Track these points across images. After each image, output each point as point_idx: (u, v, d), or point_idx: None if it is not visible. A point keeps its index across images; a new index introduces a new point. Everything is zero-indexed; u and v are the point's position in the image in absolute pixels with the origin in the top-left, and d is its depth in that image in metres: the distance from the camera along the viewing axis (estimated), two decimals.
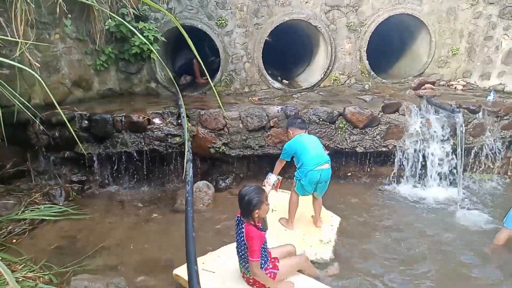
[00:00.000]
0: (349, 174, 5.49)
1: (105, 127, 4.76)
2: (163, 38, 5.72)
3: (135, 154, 4.88)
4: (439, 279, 3.32)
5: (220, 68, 6.28)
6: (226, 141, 4.95)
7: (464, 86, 6.27)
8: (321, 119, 5.06)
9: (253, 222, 2.83)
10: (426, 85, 5.59)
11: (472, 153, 5.25)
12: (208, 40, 6.46)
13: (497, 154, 5.22)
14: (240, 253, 2.96)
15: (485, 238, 3.90)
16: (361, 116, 5.03)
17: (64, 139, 4.78)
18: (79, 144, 4.14)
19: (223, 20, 6.11)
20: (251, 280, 2.98)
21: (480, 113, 5.12)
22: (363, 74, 6.70)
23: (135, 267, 3.49)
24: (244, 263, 2.97)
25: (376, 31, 6.45)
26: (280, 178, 3.89)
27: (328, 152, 3.91)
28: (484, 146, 5.17)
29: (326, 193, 3.95)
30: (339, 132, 5.11)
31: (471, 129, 5.11)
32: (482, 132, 5.14)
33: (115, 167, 5.02)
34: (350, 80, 6.68)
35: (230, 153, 5.00)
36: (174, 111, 4.96)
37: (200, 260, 3.28)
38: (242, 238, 2.84)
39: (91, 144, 4.86)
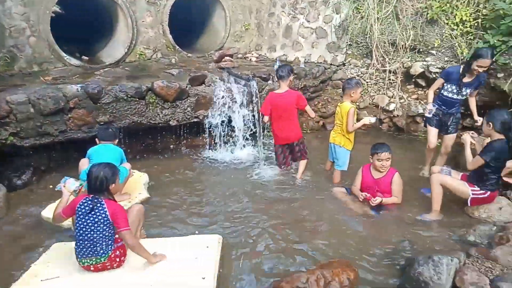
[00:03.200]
0: (168, 147, 5.60)
1: None
2: None
3: None
4: (250, 219, 3.90)
5: None
6: (15, 130, 4.18)
7: (257, 58, 7.13)
8: (129, 96, 4.85)
9: (110, 197, 2.83)
10: (226, 58, 6.09)
11: None
12: None
13: None
14: (95, 239, 2.75)
15: (278, 185, 4.69)
16: (170, 90, 5.08)
17: None
18: None
19: None
20: (107, 264, 2.83)
21: (270, 81, 5.95)
22: (168, 49, 6.73)
23: None
24: (97, 251, 2.76)
25: (178, 5, 6.52)
26: (83, 183, 3.13)
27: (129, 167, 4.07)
28: None
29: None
30: (150, 108, 5.06)
31: (264, 95, 5.88)
32: None
33: None
34: (156, 54, 6.62)
35: (22, 144, 4.27)
36: None
37: (30, 274, 2.84)
38: (104, 216, 2.74)
39: None
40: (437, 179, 3.83)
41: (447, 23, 6.02)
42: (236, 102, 5.53)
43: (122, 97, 4.81)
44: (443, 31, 6.05)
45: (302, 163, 4.83)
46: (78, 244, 2.81)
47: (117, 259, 2.89)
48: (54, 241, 3.34)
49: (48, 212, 3.59)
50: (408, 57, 6.34)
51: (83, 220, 2.77)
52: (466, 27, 5.80)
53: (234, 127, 5.57)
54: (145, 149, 5.43)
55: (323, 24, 6.72)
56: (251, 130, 5.63)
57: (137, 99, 4.93)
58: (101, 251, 2.79)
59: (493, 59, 4.45)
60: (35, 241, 3.47)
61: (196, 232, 3.64)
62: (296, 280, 2.84)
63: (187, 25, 7.72)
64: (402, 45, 6.29)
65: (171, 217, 3.95)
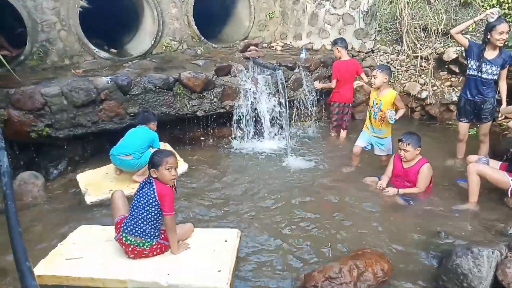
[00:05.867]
0: (196, 138, 5.62)
1: None
2: None
3: None
4: (280, 208, 3.90)
5: (28, 38, 5.30)
6: (50, 122, 4.31)
7: (282, 47, 7.03)
8: (157, 87, 4.92)
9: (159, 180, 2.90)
10: (251, 47, 6.03)
11: (294, 104, 6.04)
12: (10, 7, 5.33)
13: (313, 103, 6.14)
14: (145, 217, 2.83)
15: (305, 174, 4.64)
16: (197, 81, 5.10)
17: None
18: None
19: None
20: (145, 252, 2.87)
21: (296, 69, 5.87)
22: (194, 40, 6.74)
23: None
24: (145, 232, 2.83)
25: None
26: None
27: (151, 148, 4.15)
28: (302, 97, 6.00)
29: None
30: (178, 99, 5.10)
31: (291, 84, 5.84)
32: (299, 86, 5.94)
33: None
34: (182, 46, 6.64)
35: (57, 135, 4.40)
36: None
37: (55, 252, 2.97)
38: (152, 195, 2.83)
39: None
40: (474, 169, 3.68)
41: (482, 6, 5.72)
42: (262, 91, 5.49)
43: (150, 89, 4.87)
44: (478, 14, 5.76)
45: (343, 132, 5.75)
46: (129, 219, 2.87)
47: (155, 252, 2.91)
48: (83, 222, 3.46)
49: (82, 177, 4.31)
50: (441, 43, 6.08)
51: (137, 196, 2.90)
52: (504, 9, 5.50)
53: (261, 116, 5.54)
54: (173, 140, 5.49)
55: (350, 10, 6.53)
56: (278, 119, 5.59)
57: (165, 90, 4.98)
58: (149, 234, 2.84)
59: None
60: (67, 223, 3.59)
61: (217, 223, 3.62)
62: (329, 269, 2.80)
63: (211, 15, 7.69)
64: (434, 30, 6.04)
65: (194, 206, 3.94)
